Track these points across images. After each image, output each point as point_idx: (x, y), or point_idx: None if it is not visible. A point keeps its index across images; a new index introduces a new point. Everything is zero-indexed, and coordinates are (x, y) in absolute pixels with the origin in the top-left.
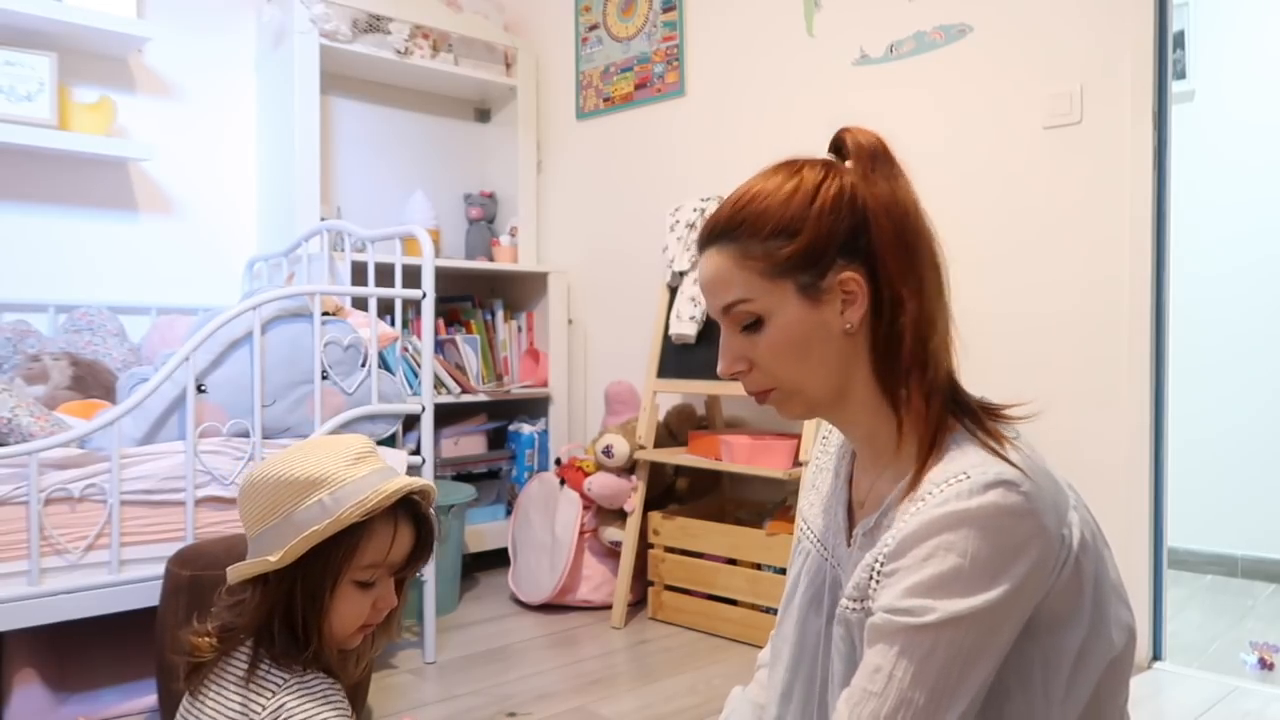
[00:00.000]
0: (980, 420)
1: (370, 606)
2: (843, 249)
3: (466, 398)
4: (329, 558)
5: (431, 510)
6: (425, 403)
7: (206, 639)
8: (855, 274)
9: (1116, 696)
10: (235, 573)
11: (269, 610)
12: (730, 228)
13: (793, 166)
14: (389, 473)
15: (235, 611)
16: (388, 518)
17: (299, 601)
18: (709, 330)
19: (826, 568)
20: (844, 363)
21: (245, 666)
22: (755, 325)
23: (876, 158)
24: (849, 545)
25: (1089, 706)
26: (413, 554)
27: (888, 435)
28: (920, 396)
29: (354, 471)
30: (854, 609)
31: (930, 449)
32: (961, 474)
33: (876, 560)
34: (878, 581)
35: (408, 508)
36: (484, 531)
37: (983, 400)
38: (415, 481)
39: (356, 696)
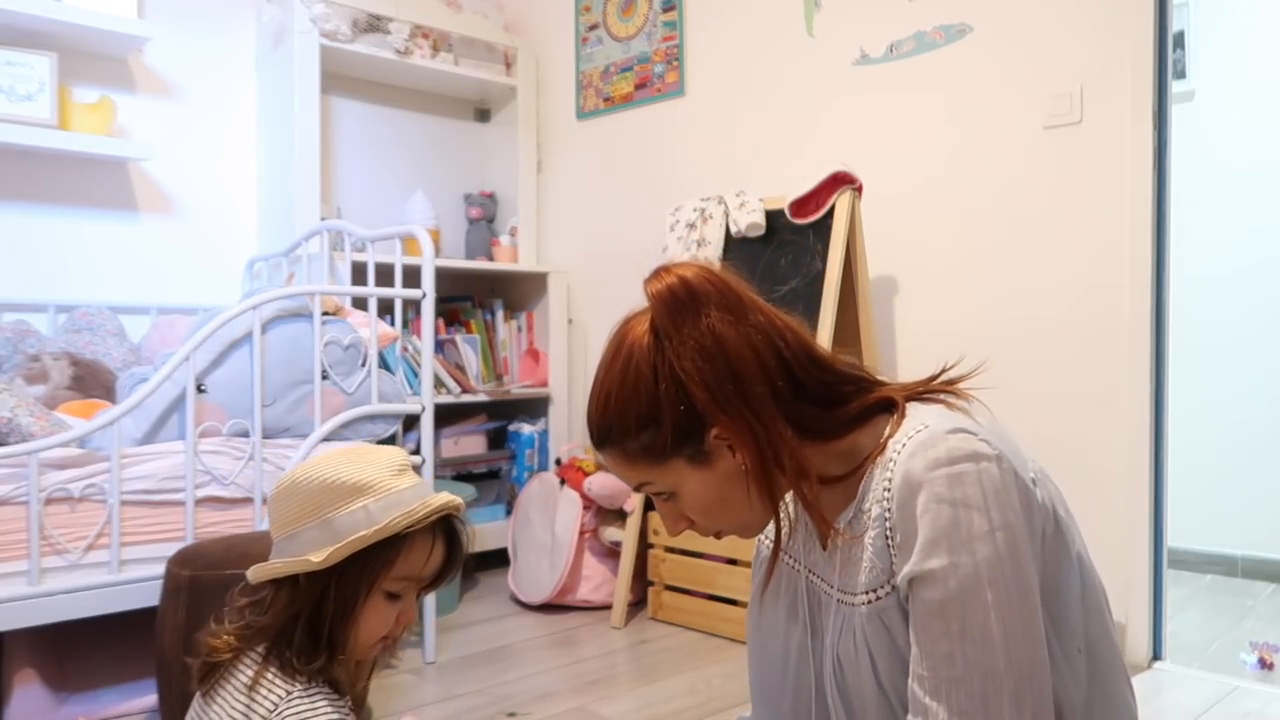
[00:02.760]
0: (926, 395)
1: (394, 619)
2: (705, 412)
3: (466, 398)
4: (367, 565)
5: (464, 528)
6: (425, 403)
7: (226, 639)
8: (724, 426)
9: (1116, 659)
10: (265, 571)
11: (296, 612)
12: (604, 435)
13: (626, 348)
14: (427, 487)
15: (257, 610)
16: (427, 532)
17: (330, 606)
18: None
19: (799, 578)
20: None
21: (252, 673)
22: (671, 496)
23: (675, 309)
24: (825, 548)
25: (1094, 665)
26: (441, 570)
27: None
28: (821, 456)
29: (398, 482)
30: (877, 596)
31: (882, 437)
32: (920, 425)
33: (885, 536)
34: (894, 554)
35: (443, 524)
36: (484, 531)
37: (931, 376)
38: (456, 498)
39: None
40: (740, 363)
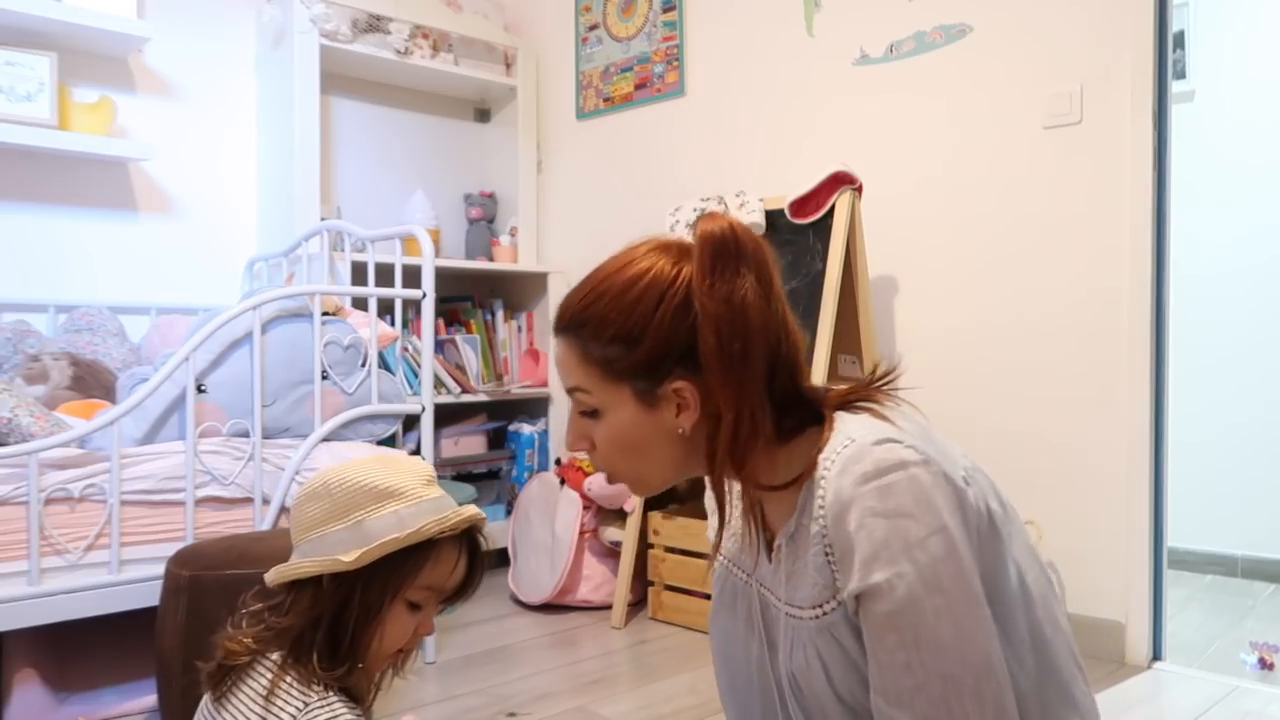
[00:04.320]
0: (852, 404)
1: (413, 630)
2: (679, 360)
3: (466, 398)
4: (393, 571)
5: (486, 543)
6: (425, 403)
7: (244, 641)
8: (689, 383)
9: (1064, 645)
10: (290, 571)
11: (317, 616)
12: (576, 324)
13: (647, 262)
14: (452, 500)
15: (277, 612)
16: (454, 543)
17: (353, 611)
18: None
19: (752, 591)
20: (680, 458)
21: (269, 679)
22: (595, 414)
23: (721, 255)
24: (771, 560)
25: (1040, 653)
26: (462, 584)
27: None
28: (764, 460)
29: (428, 491)
30: (824, 611)
31: (810, 462)
32: (847, 440)
33: (825, 552)
34: (836, 570)
35: (467, 538)
36: (484, 532)
37: (860, 382)
38: (481, 513)
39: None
40: (754, 335)
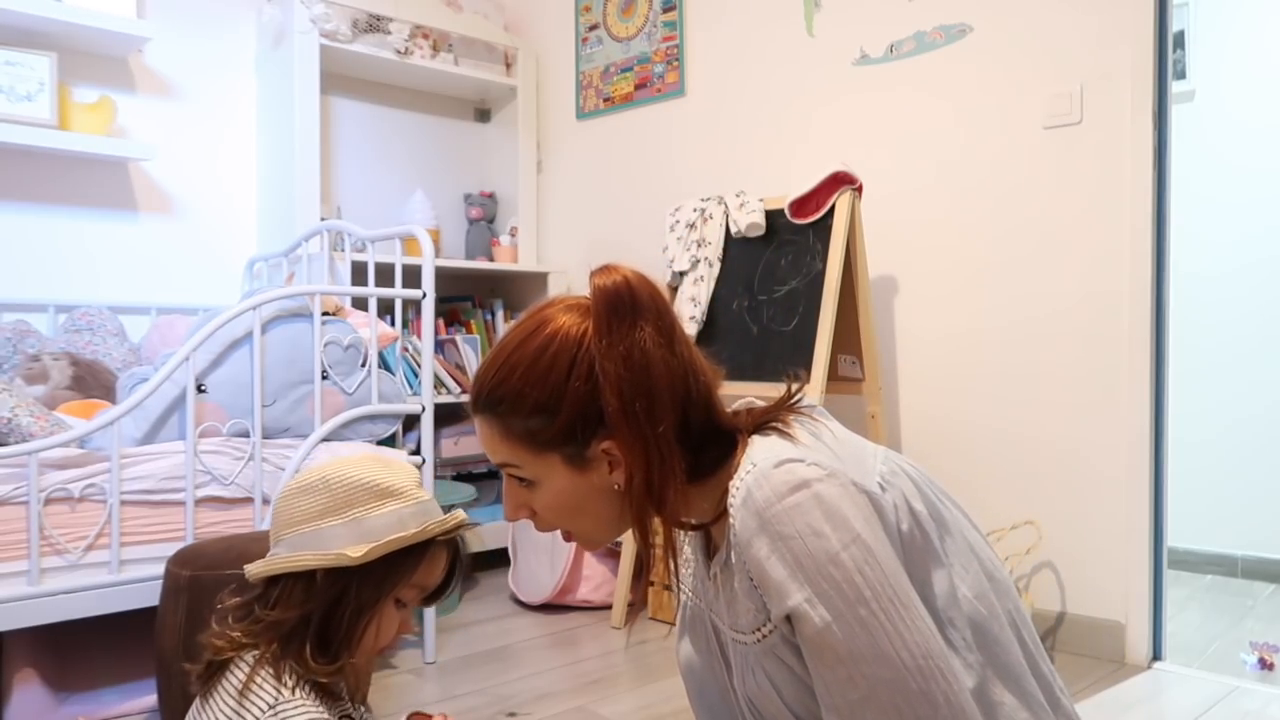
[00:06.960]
0: (764, 426)
1: (397, 627)
2: (601, 420)
3: (466, 398)
4: (390, 569)
5: (465, 547)
6: (425, 403)
7: (232, 635)
8: (615, 441)
9: (1005, 634)
10: (286, 564)
11: (309, 611)
12: (493, 401)
13: (552, 326)
14: (436, 503)
15: (264, 602)
16: (443, 545)
17: (346, 606)
18: (710, 330)
19: (704, 614)
20: (622, 511)
21: (244, 676)
22: (529, 484)
23: (616, 310)
24: (712, 587)
25: (986, 648)
26: (441, 584)
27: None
28: (694, 499)
29: (421, 493)
30: (764, 634)
31: (724, 489)
32: (750, 466)
33: (748, 579)
34: (763, 595)
35: (452, 542)
36: (484, 531)
37: (773, 403)
38: (469, 518)
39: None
40: (658, 387)
